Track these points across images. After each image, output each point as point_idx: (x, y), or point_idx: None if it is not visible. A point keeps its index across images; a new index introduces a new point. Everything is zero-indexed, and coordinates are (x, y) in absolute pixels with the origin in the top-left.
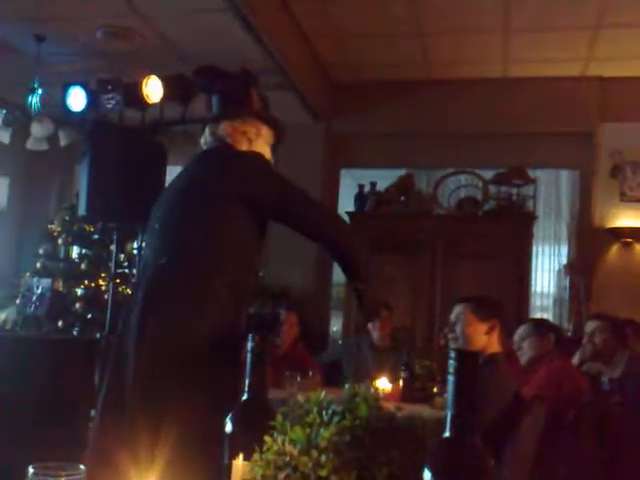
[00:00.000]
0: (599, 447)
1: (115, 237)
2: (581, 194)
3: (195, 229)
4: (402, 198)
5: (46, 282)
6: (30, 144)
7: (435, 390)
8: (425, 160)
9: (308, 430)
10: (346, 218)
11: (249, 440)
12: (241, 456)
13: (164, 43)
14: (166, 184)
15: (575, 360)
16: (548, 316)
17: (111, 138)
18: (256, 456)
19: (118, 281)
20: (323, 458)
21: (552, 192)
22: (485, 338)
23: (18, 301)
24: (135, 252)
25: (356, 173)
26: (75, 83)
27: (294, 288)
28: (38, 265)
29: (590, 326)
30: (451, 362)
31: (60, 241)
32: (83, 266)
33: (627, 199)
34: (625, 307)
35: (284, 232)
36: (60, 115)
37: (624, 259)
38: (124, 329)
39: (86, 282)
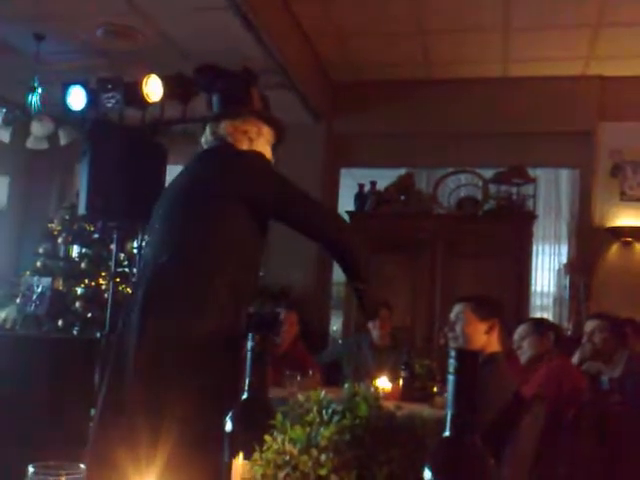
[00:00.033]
0: (599, 446)
1: (115, 236)
2: (581, 193)
3: (195, 228)
4: (402, 197)
5: (46, 281)
6: (30, 143)
7: (435, 389)
8: (425, 159)
9: (308, 429)
10: (346, 217)
11: (249, 439)
12: (241, 455)
13: (164, 42)
14: (166, 183)
15: (575, 359)
16: (548, 315)
17: (111, 137)
18: (256, 455)
19: (118, 280)
20: (323, 457)
21: (552, 191)
22: (485, 337)
23: (18, 300)
24: (135, 251)
25: (356, 172)
26: (75, 82)
27: (294, 287)
28: (38, 264)
29: (590, 325)
30: (451, 361)
31: (60, 240)
32: (83, 265)
33: (627, 198)
34: (625, 306)
35: (284, 231)
36: (60, 114)
37: (624, 258)
38: (124, 328)
39: (86, 281)
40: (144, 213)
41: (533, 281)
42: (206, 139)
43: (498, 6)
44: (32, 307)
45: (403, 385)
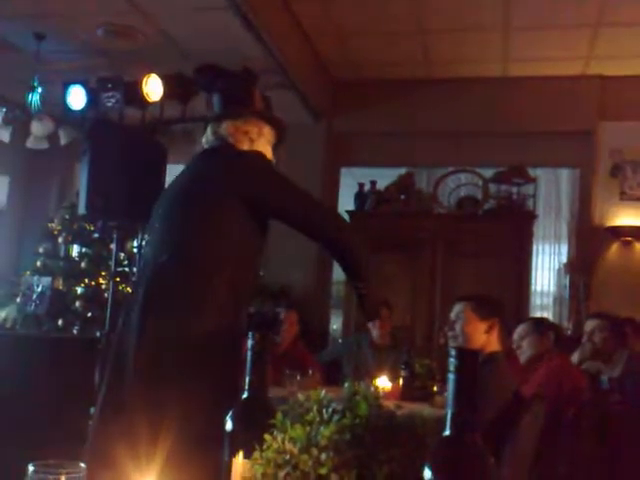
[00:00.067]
0: (599, 446)
1: (115, 236)
2: (581, 193)
3: (195, 228)
4: (402, 197)
5: (46, 280)
6: (30, 143)
7: (435, 389)
8: (425, 159)
9: (308, 428)
10: (346, 217)
11: (249, 438)
12: (241, 454)
13: (165, 41)
14: (166, 183)
15: (574, 359)
16: (548, 315)
17: (111, 137)
18: (256, 454)
19: (118, 279)
20: (323, 456)
21: (552, 191)
22: (485, 337)
23: (18, 299)
24: (135, 251)
25: (356, 172)
26: (75, 82)
27: (294, 286)
28: (38, 263)
29: (590, 325)
30: (451, 360)
31: (60, 240)
32: (83, 265)
33: (627, 198)
34: (625, 306)
35: (284, 231)
36: (60, 114)
37: (624, 258)
38: (124, 327)
39: (86, 281)
40: (144, 212)
41: (533, 280)
42: (207, 139)
43: (498, 5)
44: (32, 306)
45: (403, 384)
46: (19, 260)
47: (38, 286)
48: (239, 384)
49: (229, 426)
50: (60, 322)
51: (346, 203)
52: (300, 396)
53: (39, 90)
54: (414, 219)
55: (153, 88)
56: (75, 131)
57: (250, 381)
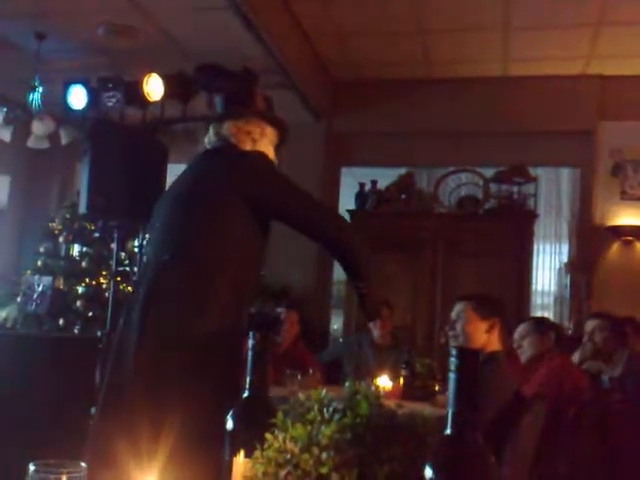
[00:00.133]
0: (600, 445)
1: (116, 235)
2: (582, 192)
3: (197, 228)
4: (403, 196)
5: (47, 280)
6: (31, 142)
7: (436, 388)
8: (426, 158)
9: (309, 428)
10: (347, 216)
11: (250, 437)
12: (242, 453)
13: (165, 41)
14: (167, 182)
15: (575, 358)
16: (549, 314)
17: (112, 136)
18: (257, 453)
19: (119, 279)
20: (324, 455)
21: (553, 190)
22: (485, 336)
23: (19, 299)
24: (136, 250)
25: (357, 171)
26: (76, 81)
27: (295, 286)
28: (39, 263)
29: (590, 325)
30: (452, 360)
31: (61, 239)
32: (84, 264)
33: (628, 197)
34: (626, 305)
35: (285, 231)
36: (61, 113)
37: (625, 257)
38: (125, 327)
39: (87, 280)
40: (145, 212)
41: (534, 280)
42: (209, 139)
43: (498, 5)
44: (33, 306)
45: (404, 384)
46: (20, 259)
47: (39, 285)
48: (240, 383)
49: (230, 425)
50: (61, 322)
51: (347, 203)
52: (301, 395)
53: (40, 90)
54: (415, 219)
55: (154, 88)
56: (76, 131)
57: (251, 381)
